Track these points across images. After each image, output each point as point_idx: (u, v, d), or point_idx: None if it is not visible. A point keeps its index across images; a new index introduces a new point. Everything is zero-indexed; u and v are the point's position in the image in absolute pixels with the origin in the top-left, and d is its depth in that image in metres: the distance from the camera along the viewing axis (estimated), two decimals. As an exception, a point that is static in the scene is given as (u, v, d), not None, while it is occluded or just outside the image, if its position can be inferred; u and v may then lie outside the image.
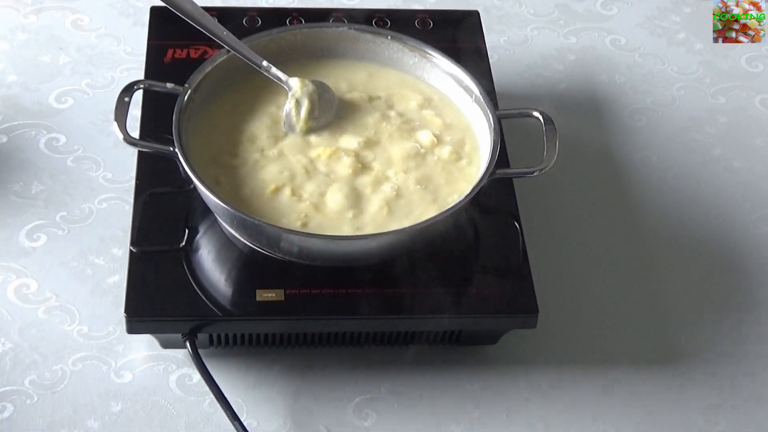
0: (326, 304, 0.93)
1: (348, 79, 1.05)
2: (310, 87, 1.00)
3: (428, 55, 1.05)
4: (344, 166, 0.97)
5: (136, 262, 0.94)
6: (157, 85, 0.98)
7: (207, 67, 1.00)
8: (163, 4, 1.00)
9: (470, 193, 0.93)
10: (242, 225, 0.93)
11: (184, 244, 0.96)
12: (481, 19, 1.18)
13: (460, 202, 0.93)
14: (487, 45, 1.15)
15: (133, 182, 1.00)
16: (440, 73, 1.05)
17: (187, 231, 0.97)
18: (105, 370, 0.95)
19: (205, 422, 0.93)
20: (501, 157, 0.96)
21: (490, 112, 0.99)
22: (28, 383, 0.94)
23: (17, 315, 0.98)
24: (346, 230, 0.93)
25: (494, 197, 1.00)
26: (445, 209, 0.93)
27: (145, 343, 0.97)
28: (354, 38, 1.06)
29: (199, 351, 0.93)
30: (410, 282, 0.95)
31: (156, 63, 1.10)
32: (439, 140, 1.01)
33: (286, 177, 0.96)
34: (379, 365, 0.98)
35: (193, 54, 1.10)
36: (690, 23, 1.35)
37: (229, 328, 0.94)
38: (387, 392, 0.96)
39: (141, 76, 1.10)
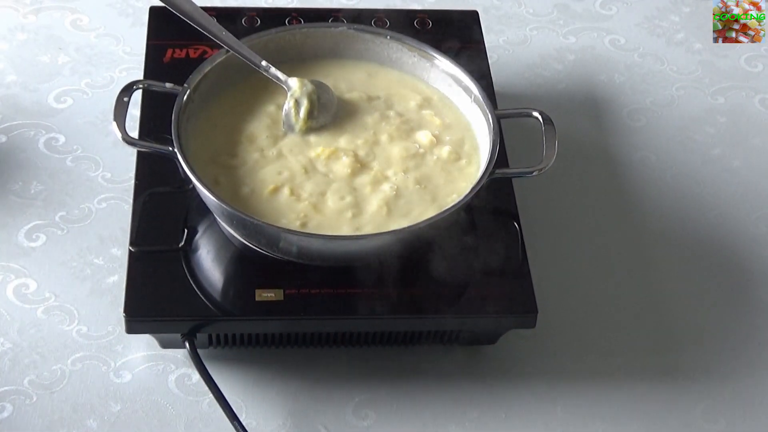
0: (325, 304, 0.93)
1: (347, 79, 1.05)
2: (309, 87, 1.00)
3: (427, 55, 1.05)
4: (343, 166, 0.97)
5: (135, 262, 0.94)
6: (157, 85, 0.98)
7: (206, 67, 1.00)
8: (162, 4, 1.00)
9: (469, 193, 0.93)
10: (241, 225, 0.93)
11: (183, 244, 0.96)
12: (481, 19, 1.18)
13: (460, 202, 0.93)
14: (486, 45, 1.15)
15: (132, 182, 1.00)
16: (439, 73, 1.05)
17: (186, 231, 0.97)
18: (104, 370, 0.95)
19: (205, 422, 0.93)
20: (500, 157, 0.96)
21: (490, 112, 0.99)
22: (28, 383, 0.94)
23: (16, 315, 0.98)
24: (346, 230, 0.93)
25: (493, 197, 1.00)
26: (444, 209, 0.93)
27: (145, 343, 0.97)
28: (353, 38, 1.06)
29: (199, 351, 0.93)
30: (409, 282, 0.95)
31: (155, 63, 1.10)
32: (438, 140, 1.01)
33: (285, 177, 0.96)
34: (378, 365, 0.98)
35: (193, 54, 1.10)
36: (689, 23, 1.35)
37: (228, 328, 0.94)
38: (386, 392, 0.96)
39: (140, 76, 1.10)
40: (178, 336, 0.93)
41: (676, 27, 1.34)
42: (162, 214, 0.98)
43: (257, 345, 0.97)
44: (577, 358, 1.00)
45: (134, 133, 1.01)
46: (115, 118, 0.93)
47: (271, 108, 1.02)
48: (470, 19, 1.18)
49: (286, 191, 0.95)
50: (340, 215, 0.94)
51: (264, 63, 1.01)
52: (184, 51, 1.10)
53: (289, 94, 1.00)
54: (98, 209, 1.06)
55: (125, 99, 0.95)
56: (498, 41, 1.29)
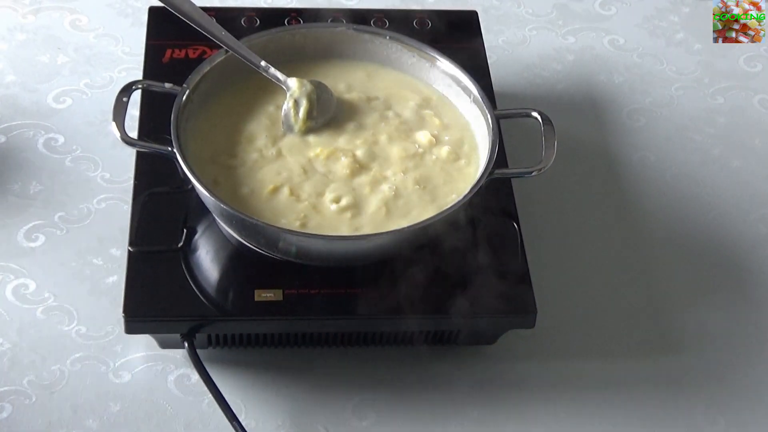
0: (324, 304, 0.93)
1: (346, 80, 1.05)
2: (309, 87, 1.00)
3: (427, 56, 1.05)
4: (342, 167, 0.97)
5: (134, 262, 0.94)
6: (156, 85, 0.98)
7: (205, 68, 1.00)
8: (161, 5, 1.00)
9: (469, 193, 0.93)
10: (241, 225, 0.93)
11: (182, 244, 0.96)
12: (480, 20, 1.18)
13: (459, 202, 0.93)
14: (485, 45, 1.15)
15: (131, 182, 1.00)
16: (439, 74, 1.05)
17: (185, 231, 0.97)
18: (103, 370, 0.95)
19: (204, 422, 0.93)
20: (499, 157, 0.96)
21: (489, 112, 0.99)
22: (27, 383, 0.94)
23: (16, 315, 0.98)
24: (345, 230, 0.93)
25: (493, 197, 1.00)
26: (443, 209, 0.93)
27: (144, 343, 0.97)
28: (352, 38, 1.06)
29: (198, 351, 0.93)
30: (408, 282, 0.95)
31: (154, 63, 1.10)
32: (437, 140, 1.01)
33: (284, 177, 0.96)
34: (378, 365, 0.98)
35: (192, 54, 1.10)
36: (688, 23, 1.35)
37: (227, 328, 0.94)
38: (385, 392, 0.96)
39: (139, 76, 1.10)
40: (178, 336, 0.93)
41: (676, 27, 1.34)
42: (161, 215, 0.98)
43: (256, 345, 0.97)
44: (576, 358, 1.00)
45: (133, 134, 1.01)
46: (115, 119, 0.93)
47: (270, 108, 1.02)
48: (469, 20, 1.18)
49: (285, 191, 0.95)
50: (340, 215, 0.94)
51: (263, 63, 1.01)
52: (184, 51, 1.10)
53: (288, 95, 1.00)
54: (97, 209, 1.06)
55: (124, 99, 0.95)
56: (497, 41, 1.29)
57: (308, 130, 1.00)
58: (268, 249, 0.94)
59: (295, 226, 0.92)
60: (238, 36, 1.01)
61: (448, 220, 0.94)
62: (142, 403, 0.94)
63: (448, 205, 0.93)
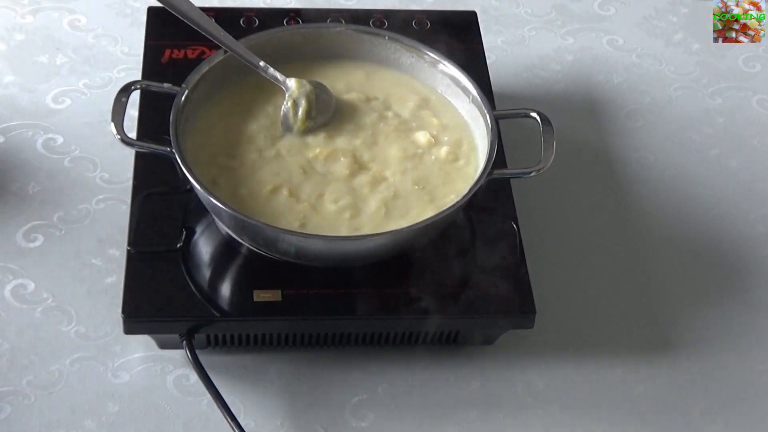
0: (323, 305, 0.93)
1: (345, 80, 1.05)
2: (308, 87, 1.00)
3: (426, 56, 1.05)
4: (342, 167, 0.97)
5: (133, 262, 0.94)
6: (155, 86, 0.98)
7: (204, 68, 1.00)
8: (160, 5, 1.00)
9: (467, 193, 0.93)
10: (240, 226, 0.93)
11: (181, 244, 0.96)
12: (479, 20, 1.18)
13: (458, 202, 0.93)
14: (484, 45, 1.15)
15: (130, 183, 1.00)
16: (438, 74, 1.05)
17: (184, 232, 0.97)
18: (102, 370, 0.95)
19: (203, 423, 0.93)
20: (498, 158, 0.96)
21: (488, 112, 0.99)
22: (26, 384, 0.94)
23: (14, 316, 0.98)
24: (344, 231, 0.93)
25: (491, 198, 1.00)
26: (442, 210, 0.93)
27: (143, 343, 0.97)
28: (351, 39, 1.06)
29: (197, 351, 0.93)
30: (407, 282, 0.95)
31: (153, 63, 1.10)
32: (436, 141, 1.01)
33: (283, 177, 0.96)
34: (377, 366, 0.98)
35: (191, 54, 1.10)
36: (687, 24, 1.35)
37: (226, 329, 0.94)
38: (384, 393, 0.96)
39: (138, 76, 1.10)
40: (177, 336, 0.93)
41: (675, 27, 1.34)
42: (160, 215, 0.98)
43: (255, 345, 0.97)
44: (575, 358, 1.00)
45: (132, 134, 1.01)
46: (113, 119, 0.93)
47: (269, 109, 1.02)
48: (468, 20, 1.18)
49: (284, 192, 0.95)
50: (339, 216, 0.94)
51: (262, 63, 1.01)
52: (182, 51, 1.10)
53: (287, 95, 1.00)
54: (96, 210, 1.06)
55: (123, 99, 0.95)
56: (496, 42, 1.29)
57: (307, 131, 1.00)
58: (267, 249, 0.94)
59: (294, 226, 0.92)
60: (237, 36, 1.01)
61: (447, 221, 0.94)
62: (140, 404, 0.93)
63: (447, 206, 0.93)
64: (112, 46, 1.23)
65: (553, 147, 0.96)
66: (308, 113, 1.00)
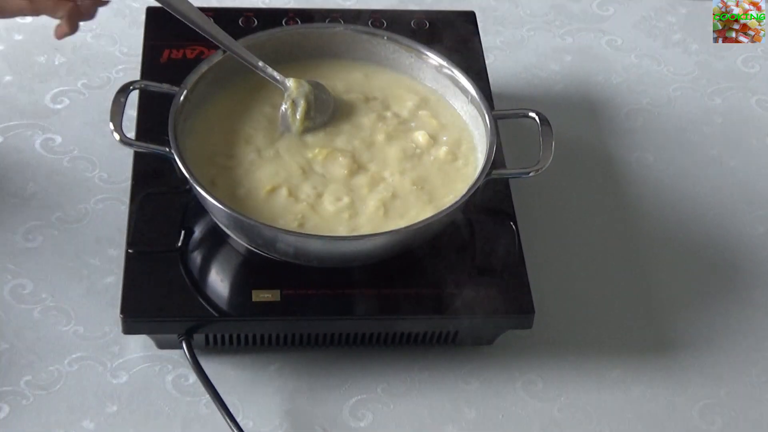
0: (322, 305, 0.93)
1: (344, 80, 1.05)
2: (306, 87, 1.00)
3: (424, 56, 1.05)
4: (340, 167, 0.97)
5: (132, 262, 0.94)
6: (153, 86, 0.98)
7: (203, 68, 1.00)
8: (159, 5, 1.00)
9: (466, 193, 0.93)
10: (238, 226, 0.93)
11: (180, 244, 0.96)
12: (477, 20, 1.18)
13: (456, 202, 0.93)
14: (483, 46, 1.15)
15: (128, 183, 1.00)
16: (436, 74, 1.05)
17: (183, 232, 0.97)
18: (101, 370, 0.95)
19: (201, 423, 0.93)
20: (497, 158, 0.96)
21: (486, 112, 0.99)
22: (24, 384, 0.94)
23: (13, 315, 0.98)
24: (342, 231, 0.93)
25: (490, 198, 1.00)
26: (441, 210, 0.93)
27: (141, 343, 0.97)
28: (350, 39, 1.06)
29: (195, 351, 0.93)
30: (406, 282, 0.95)
31: (152, 63, 1.10)
32: (435, 141, 1.01)
33: (282, 178, 0.96)
34: (375, 366, 0.98)
35: (189, 54, 1.10)
36: (686, 24, 1.35)
37: (225, 329, 0.94)
38: (383, 393, 0.96)
39: (137, 76, 1.10)
40: (175, 336, 0.93)
41: (673, 28, 1.34)
42: (159, 215, 0.98)
43: (254, 345, 0.97)
44: (574, 358, 1.00)
45: (131, 134, 1.01)
46: (112, 119, 0.93)
47: (267, 109, 1.02)
48: (467, 20, 1.18)
49: (283, 192, 0.95)
50: (337, 216, 0.94)
51: (261, 63, 1.01)
52: (181, 51, 1.10)
53: (285, 95, 1.00)
54: (95, 210, 1.06)
55: (122, 99, 0.95)
56: (495, 42, 1.29)
57: (306, 131, 1.00)
58: (265, 249, 0.94)
59: (293, 226, 0.92)
60: (236, 36, 1.01)
61: (446, 221, 0.94)
62: (139, 404, 0.93)
63: (446, 206, 0.93)
64: (111, 46, 1.23)
65: (552, 147, 0.96)
66: (307, 113, 1.00)
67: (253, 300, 0.93)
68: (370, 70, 1.06)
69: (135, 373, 0.95)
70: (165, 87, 0.97)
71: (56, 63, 1.21)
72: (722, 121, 1.24)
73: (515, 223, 1.00)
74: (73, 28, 0.96)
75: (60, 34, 0.96)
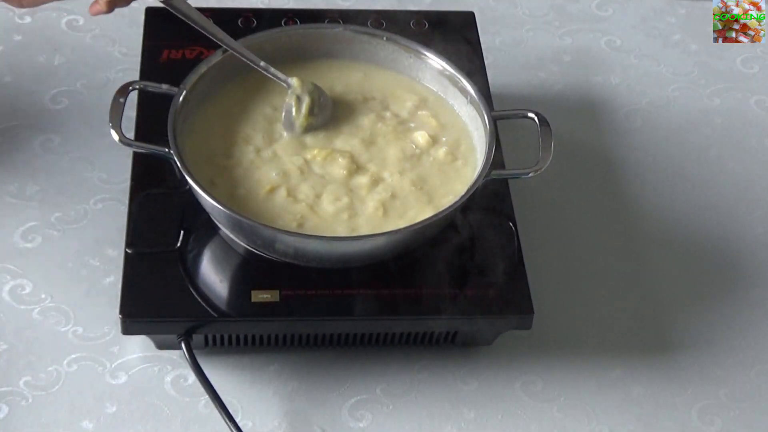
0: (321, 305, 0.93)
1: (343, 80, 1.05)
2: (310, 85, 1.00)
3: (423, 56, 1.05)
4: (339, 168, 0.97)
5: (131, 263, 0.94)
6: (153, 86, 0.98)
7: (202, 68, 1.00)
8: (158, 5, 1.00)
9: (465, 194, 0.93)
10: (238, 226, 0.93)
11: (179, 245, 0.96)
12: (477, 20, 1.18)
13: (456, 203, 0.93)
14: (482, 46, 1.15)
15: (128, 183, 1.00)
16: (435, 74, 1.05)
17: (182, 232, 0.97)
18: (100, 371, 0.95)
19: (200, 423, 0.93)
20: (496, 158, 0.96)
21: (486, 112, 0.99)
22: (23, 384, 0.94)
23: (12, 316, 0.98)
24: (342, 231, 0.93)
25: (489, 198, 1.00)
26: (440, 210, 0.93)
27: (140, 344, 0.97)
28: (349, 39, 1.06)
29: (195, 352, 0.93)
30: (405, 283, 0.95)
31: (151, 64, 1.09)
32: (434, 141, 1.01)
33: (281, 178, 0.96)
34: (375, 366, 0.98)
35: (189, 55, 1.10)
36: (685, 24, 1.35)
37: (224, 329, 0.94)
38: (382, 393, 0.96)
39: (136, 77, 1.10)
40: (174, 337, 0.93)
41: (673, 28, 1.34)
42: (158, 215, 0.98)
43: (253, 346, 0.97)
44: (573, 359, 1.00)
45: (130, 134, 1.01)
46: (111, 119, 0.93)
47: (266, 109, 1.02)
48: (466, 21, 1.18)
49: (282, 192, 0.95)
50: (336, 216, 0.94)
51: (263, 63, 1.01)
52: (180, 52, 1.10)
53: (289, 92, 1.00)
54: (94, 210, 1.06)
55: (121, 100, 0.95)
56: (494, 42, 1.29)
57: (309, 128, 1.00)
58: (265, 250, 0.94)
59: (292, 226, 0.92)
60: (236, 37, 1.01)
61: (445, 221, 0.94)
62: (138, 404, 0.93)
63: (445, 206, 0.93)
64: (110, 47, 1.23)
65: (551, 147, 0.96)
66: (311, 110, 1.00)
67: (252, 300, 0.93)
68: (369, 70, 1.06)
69: (134, 373, 0.95)
70: (164, 87, 0.97)
71: (55, 63, 1.21)
72: (721, 121, 1.24)
73: (514, 224, 1.00)
74: (110, 8, 0.95)
75: (95, 11, 0.95)
